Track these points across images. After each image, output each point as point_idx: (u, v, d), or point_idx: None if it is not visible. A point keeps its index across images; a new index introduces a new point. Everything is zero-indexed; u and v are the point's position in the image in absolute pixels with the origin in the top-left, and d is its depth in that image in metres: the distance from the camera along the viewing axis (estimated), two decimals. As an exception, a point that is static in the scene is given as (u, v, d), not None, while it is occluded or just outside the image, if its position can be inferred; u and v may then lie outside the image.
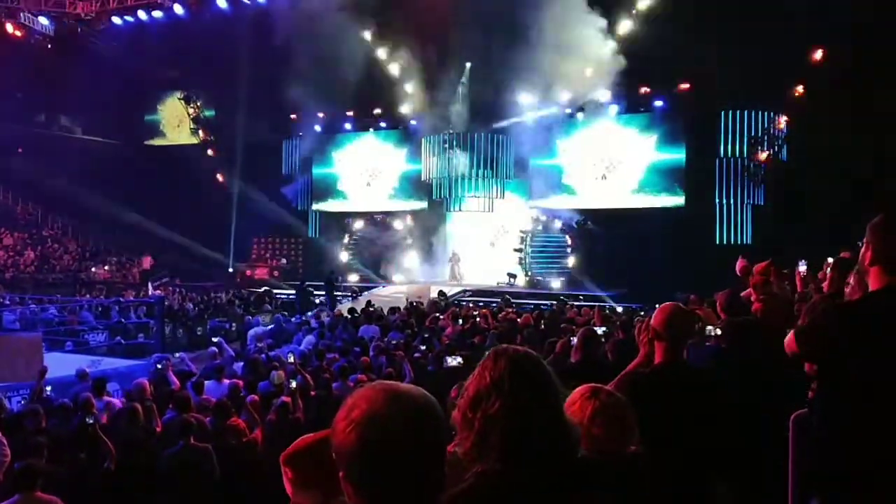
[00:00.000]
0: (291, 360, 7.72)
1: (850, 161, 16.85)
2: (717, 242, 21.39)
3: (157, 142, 31.28)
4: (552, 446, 1.67)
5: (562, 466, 1.67)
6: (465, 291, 21.62)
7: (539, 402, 1.69)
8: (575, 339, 5.48)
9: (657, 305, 3.24)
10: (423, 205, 25.85)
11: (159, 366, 8.39)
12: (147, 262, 26.38)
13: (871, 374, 2.25)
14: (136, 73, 27.24)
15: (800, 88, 19.56)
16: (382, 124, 26.82)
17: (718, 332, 4.34)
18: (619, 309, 14.86)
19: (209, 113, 29.52)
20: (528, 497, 1.63)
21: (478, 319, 12.59)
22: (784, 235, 16.68)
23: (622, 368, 3.17)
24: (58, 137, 28.66)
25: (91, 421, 5.49)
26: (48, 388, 7.24)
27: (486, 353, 1.80)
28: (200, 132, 29.14)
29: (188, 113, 29.24)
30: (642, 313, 12.13)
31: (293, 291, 22.20)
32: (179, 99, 29.48)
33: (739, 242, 21.20)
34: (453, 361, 5.65)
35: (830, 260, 4.66)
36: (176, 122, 30.81)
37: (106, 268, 26.34)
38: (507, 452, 1.63)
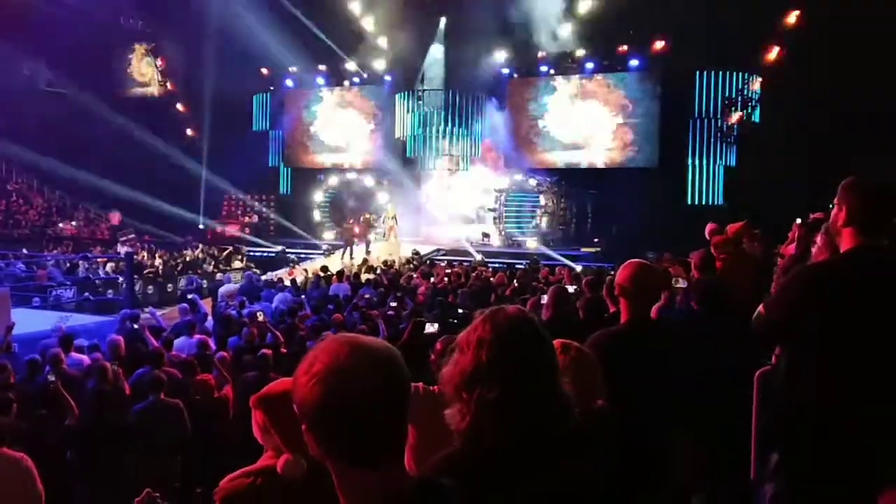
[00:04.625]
0: (261, 318, 7.68)
1: (823, 124, 16.99)
2: (689, 203, 21.60)
3: (124, 94, 30.49)
4: (549, 421, 1.69)
5: (555, 436, 1.69)
6: (438, 250, 21.64)
7: (538, 383, 1.68)
8: (545, 297, 5.52)
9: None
10: (397, 162, 25.64)
11: (135, 325, 8.26)
12: (115, 217, 25.96)
13: (844, 331, 2.28)
14: (102, 24, 26.41)
15: (775, 50, 19.61)
16: (356, 79, 26.40)
17: (683, 283, 4.39)
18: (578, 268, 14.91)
19: (177, 65, 28.79)
20: (520, 465, 1.65)
21: (446, 278, 12.63)
22: (755, 197, 16.86)
23: (592, 325, 3.20)
24: (21, 89, 27.79)
25: (52, 378, 5.43)
26: (14, 345, 7.13)
27: (478, 314, 1.76)
28: (169, 85, 28.47)
29: (156, 65, 28.50)
30: (612, 273, 12.22)
31: (267, 249, 22.08)
32: (147, 50, 28.71)
33: (711, 203, 21.42)
34: (431, 328, 5.70)
35: (799, 221, 4.70)
36: (143, 75, 30.03)
37: (73, 223, 25.87)
38: (503, 434, 1.64)
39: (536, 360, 1.69)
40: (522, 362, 1.66)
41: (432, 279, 12.74)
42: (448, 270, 14.23)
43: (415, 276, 13.45)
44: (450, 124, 23.05)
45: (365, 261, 17.10)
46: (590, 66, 22.86)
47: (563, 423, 1.71)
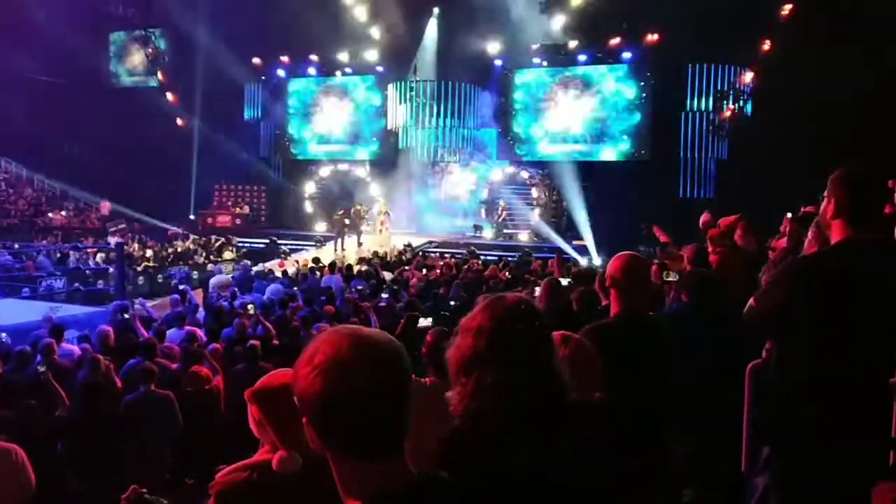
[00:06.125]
0: (252, 310, 7.66)
1: (815, 116, 17.02)
2: (680, 196, 21.62)
3: (113, 83, 30.22)
4: (543, 404, 1.74)
5: (551, 414, 1.75)
6: (430, 243, 21.61)
7: (533, 369, 1.74)
8: (538, 290, 5.53)
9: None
10: (389, 154, 25.56)
11: (126, 315, 8.21)
12: (105, 207, 25.76)
13: (831, 324, 2.28)
14: (92, 12, 26.16)
15: (767, 43, 19.62)
16: (348, 70, 26.24)
17: (674, 277, 4.40)
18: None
19: (167, 54, 28.53)
20: (513, 444, 1.70)
21: (439, 270, 12.61)
22: (747, 190, 16.90)
23: (586, 317, 3.20)
24: (9, 77, 27.52)
25: (42, 369, 5.40)
26: (3, 335, 7.09)
27: (478, 302, 1.82)
28: (159, 74, 28.22)
29: (146, 54, 28.27)
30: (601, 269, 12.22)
31: (257, 240, 22.01)
32: (136, 38, 28.45)
33: (702, 197, 21.47)
34: (425, 322, 5.75)
35: (790, 215, 4.71)
36: (133, 63, 29.78)
37: (63, 213, 25.67)
38: (500, 415, 1.70)
39: (532, 347, 1.75)
40: (518, 349, 1.72)
41: (424, 271, 12.73)
42: (440, 262, 14.22)
43: (407, 268, 13.44)
44: (442, 115, 22.99)
45: (375, 253, 16.95)
46: (582, 58, 22.84)
47: (555, 408, 1.76)
